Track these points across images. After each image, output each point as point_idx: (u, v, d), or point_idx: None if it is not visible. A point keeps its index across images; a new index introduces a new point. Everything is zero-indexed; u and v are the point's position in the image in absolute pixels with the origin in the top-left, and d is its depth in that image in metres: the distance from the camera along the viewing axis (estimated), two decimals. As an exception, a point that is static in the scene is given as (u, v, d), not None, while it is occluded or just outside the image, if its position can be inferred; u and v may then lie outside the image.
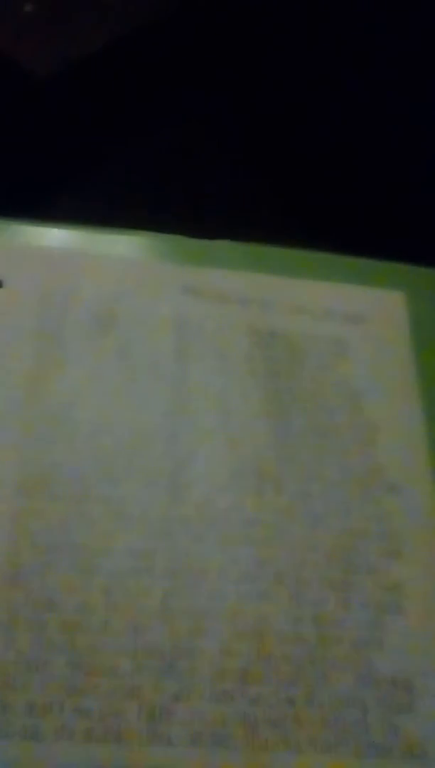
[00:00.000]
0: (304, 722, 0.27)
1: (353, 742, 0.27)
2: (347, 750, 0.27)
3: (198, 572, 0.29)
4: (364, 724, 0.27)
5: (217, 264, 0.37)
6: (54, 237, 0.36)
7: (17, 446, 0.31)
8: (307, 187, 0.44)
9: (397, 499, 0.32)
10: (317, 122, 0.45)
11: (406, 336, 0.36)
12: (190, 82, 0.46)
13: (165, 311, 0.35)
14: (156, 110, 0.44)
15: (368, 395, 0.34)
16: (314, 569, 0.30)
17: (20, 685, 0.26)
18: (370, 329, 0.36)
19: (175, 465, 0.31)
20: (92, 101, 0.43)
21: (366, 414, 0.34)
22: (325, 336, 0.36)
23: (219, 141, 0.45)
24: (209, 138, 0.45)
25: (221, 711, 0.27)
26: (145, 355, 0.34)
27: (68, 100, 0.43)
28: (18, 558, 0.28)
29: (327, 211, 0.43)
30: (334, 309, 0.37)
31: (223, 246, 0.38)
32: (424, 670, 0.29)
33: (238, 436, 0.32)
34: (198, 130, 0.44)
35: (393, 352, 0.36)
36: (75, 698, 0.26)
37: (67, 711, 0.26)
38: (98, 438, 0.31)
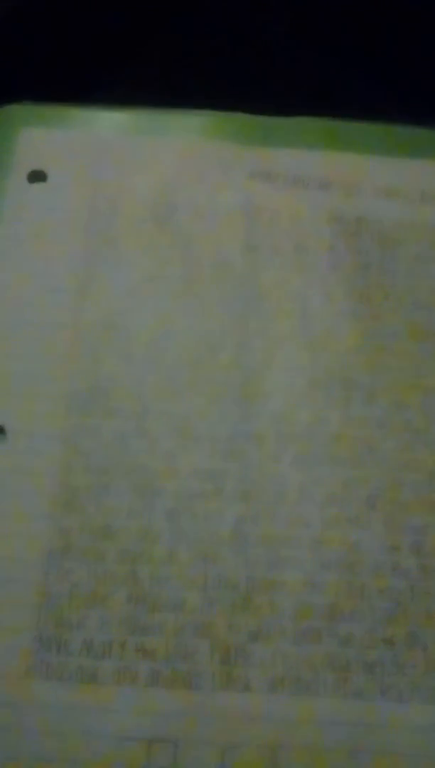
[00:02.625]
0: (405, 666, 0.23)
1: (464, 689, 0.23)
2: None
3: (275, 495, 0.26)
4: None
5: (291, 144, 0.32)
6: (102, 121, 0.33)
7: (67, 356, 0.28)
8: (399, 51, 0.38)
9: None
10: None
11: None
12: None
13: (231, 200, 0.31)
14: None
15: None
16: (413, 491, 0.26)
17: (75, 622, 0.23)
18: None
19: (246, 375, 0.28)
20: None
21: None
22: (423, 223, 0.31)
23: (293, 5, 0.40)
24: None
25: (306, 652, 0.23)
26: (209, 252, 0.30)
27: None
28: (71, 480, 0.25)
29: (423, 79, 0.37)
30: (434, 191, 0.32)
31: (297, 123, 0.33)
32: None
33: (321, 341, 0.29)
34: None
35: None
36: (137, 637, 0.23)
37: (128, 651, 0.23)
38: (158, 346, 0.28)
